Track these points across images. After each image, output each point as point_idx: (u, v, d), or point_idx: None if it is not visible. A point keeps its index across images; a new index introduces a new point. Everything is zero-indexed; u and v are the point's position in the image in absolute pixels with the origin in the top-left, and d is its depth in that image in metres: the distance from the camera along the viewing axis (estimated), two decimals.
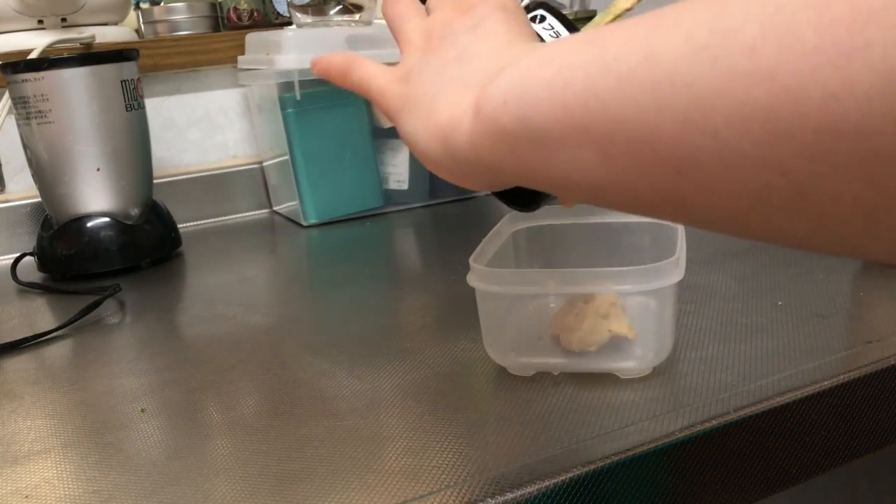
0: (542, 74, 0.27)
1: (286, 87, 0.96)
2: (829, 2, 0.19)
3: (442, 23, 0.37)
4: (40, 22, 1.01)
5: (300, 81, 0.95)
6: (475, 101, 0.31)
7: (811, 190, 0.20)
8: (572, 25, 0.44)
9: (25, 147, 0.86)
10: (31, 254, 0.89)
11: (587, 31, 0.39)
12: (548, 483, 0.38)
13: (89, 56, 0.86)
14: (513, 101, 0.29)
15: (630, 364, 0.48)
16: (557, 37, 0.43)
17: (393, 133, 1.04)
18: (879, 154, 0.19)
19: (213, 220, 1.10)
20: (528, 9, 0.44)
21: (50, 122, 0.83)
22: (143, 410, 0.51)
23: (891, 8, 0.18)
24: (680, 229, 0.53)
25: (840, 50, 0.18)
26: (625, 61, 0.24)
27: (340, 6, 1.00)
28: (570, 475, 0.38)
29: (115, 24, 1.09)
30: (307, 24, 1.00)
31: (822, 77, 0.19)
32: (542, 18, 0.43)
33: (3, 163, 1.02)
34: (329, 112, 0.99)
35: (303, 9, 0.99)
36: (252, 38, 1.05)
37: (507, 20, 0.36)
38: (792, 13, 0.19)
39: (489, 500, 0.37)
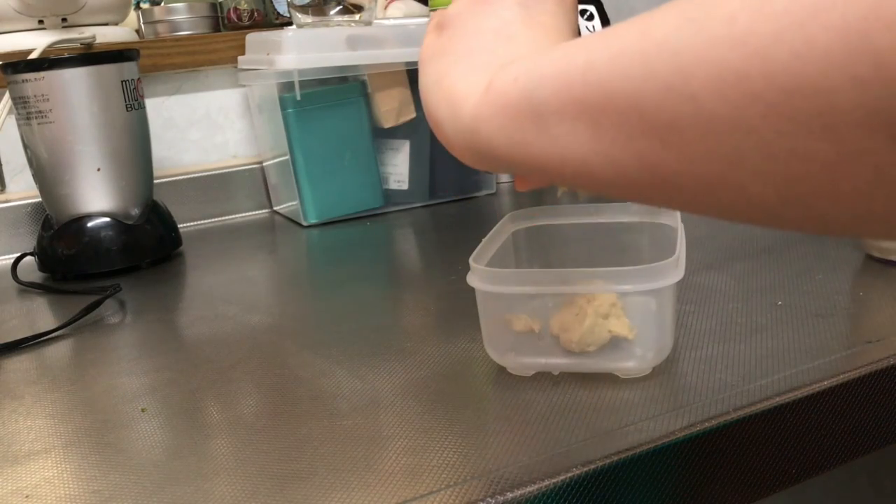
0: (553, 55, 0.29)
1: (286, 87, 0.97)
2: None
3: None
4: (41, 22, 1.01)
5: (300, 81, 0.95)
6: (491, 78, 0.32)
7: (778, 150, 0.21)
8: None
9: (26, 147, 0.86)
10: (31, 254, 0.89)
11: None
12: (548, 483, 0.38)
13: (90, 56, 0.86)
14: (522, 77, 0.30)
15: (630, 364, 0.48)
16: None
17: (393, 133, 1.04)
18: (839, 110, 0.19)
19: (213, 220, 1.10)
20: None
21: (50, 122, 0.83)
22: (143, 410, 0.51)
23: None
24: (680, 229, 0.53)
25: (806, 11, 0.19)
26: (623, 37, 0.25)
27: (340, 6, 1.00)
28: (570, 475, 0.38)
29: (116, 24, 1.09)
30: (307, 24, 1.00)
31: (788, 37, 0.20)
32: (591, 17, 0.44)
33: (3, 163, 1.02)
34: (329, 112, 0.99)
35: (303, 9, 0.99)
36: (252, 38, 1.05)
37: (560, 13, 0.37)
38: None
39: (489, 500, 0.37)
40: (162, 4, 1.18)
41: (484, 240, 0.54)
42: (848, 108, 0.19)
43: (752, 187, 0.23)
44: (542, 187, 0.46)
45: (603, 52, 0.26)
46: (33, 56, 0.94)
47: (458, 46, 0.36)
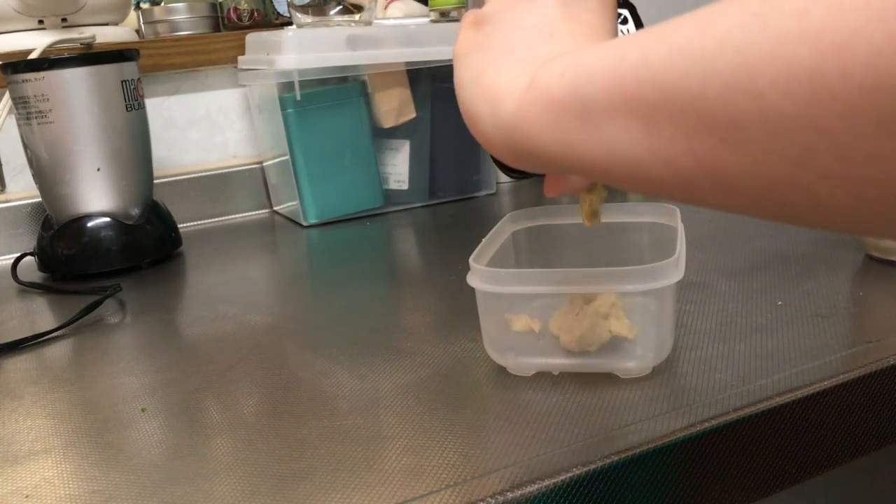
0: (602, 51, 0.28)
1: (286, 87, 0.97)
2: None
3: None
4: (41, 22, 1.01)
5: (300, 81, 0.95)
6: (534, 75, 0.31)
7: (854, 152, 0.20)
8: None
9: (26, 147, 0.86)
10: (31, 254, 0.89)
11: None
12: (548, 483, 0.38)
13: (90, 56, 0.86)
14: (569, 73, 0.29)
15: (630, 364, 0.48)
16: None
17: (393, 133, 1.04)
18: None
19: (213, 220, 1.10)
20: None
21: (50, 122, 0.83)
22: (143, 410, 0.51)
23: None
24: (680, 229, 0.53)
25: (887, 4, 0.18)
26: (680, 33, 0.24)
27: (340, 6, 1.00)
28: (570, 475, 0.38)
29: (116, 24, 1.09)
30: (307, 24, 1.00)
31: (868, 32, 0.19)
32: (625, 20, 0.44)
33: (3, 163, 1.02)
34: (329, 112, 0.99)
35: (303, 9, 0.99)
36: (252, 38, 1.05)
37: (600, 12, 0.36)
38: None
39: (489, 499, 0.37)
40: (162, 4, 1.18)
41: (484, 240, 0.54)
42: None
43: (821, 189, 0.22)
44: (572, 194, 0.46)
45: (658, 48, 0.25)
46: (33, 56, 0.94)
47: (497, 42, 0.36)
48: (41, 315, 0.76)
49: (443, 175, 1.07)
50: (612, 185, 0.30)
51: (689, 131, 0.24)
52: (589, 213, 0.49)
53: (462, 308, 0.62)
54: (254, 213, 1.12)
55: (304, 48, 0.94)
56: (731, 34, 0.22)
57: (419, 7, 1.18)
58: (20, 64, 0.83)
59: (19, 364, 0.62)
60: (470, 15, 0.39)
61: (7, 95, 0.87)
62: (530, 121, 0.31)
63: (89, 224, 0.86)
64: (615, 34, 0.36)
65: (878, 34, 0.19)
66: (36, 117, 0.83)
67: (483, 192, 1.09)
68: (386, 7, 1.16)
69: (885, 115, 0.19)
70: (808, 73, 0.20)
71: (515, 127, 0.32)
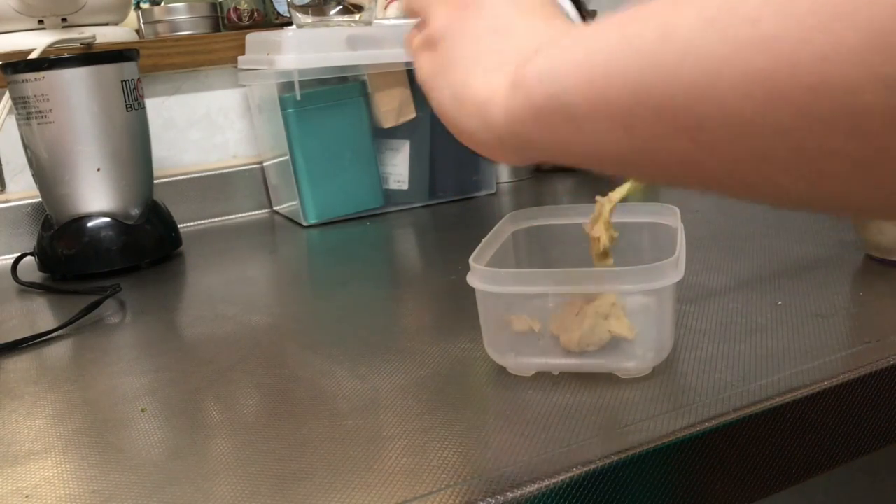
0: (572, 54, 0.29)
1: (286, 87, 0.97)
2: None
3: None
4: (41, 22, 1.01)
5: (300, 81, 0.95)
6: (513, 78, 0.32)
7: (808, 149, 0.22)
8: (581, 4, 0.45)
9: (26, 147, 0.86)
10: (31, 254, 0.89)
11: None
12: (548, 483, 0.38)
13: (90, 56, 0.86)
14: (546, 79, 0.30)
15: (630, 364, 0.48)
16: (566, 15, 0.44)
17: (393, 133, 1.04)
18: (867, 109, 0.20)
19: (213, 220, 1.10)
20: None
21: (50, 122, 0.83)
22: (143, 410, 0.51)
23: None
24: (680, 229, 0.53)
25: (831, 13, 0.20)
26: (644, 38, 0.26)
27: (340, 6, 1.00)
28: (570, 475, 0.38)
29: (116, 24, 1.09)
30: (307, 24, 1.00)
31: (814, 39, 0.20)
32: None
33: (3, 163, 1.02)
34: (329, 112, 0.99)
35: (303, 9, 0.99)
36: (252, 38, 1.05)
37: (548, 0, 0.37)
38: None
39: (489, 499, 0.37)
40: (162, 4, 1.18)
41: (484, 240, 0.54)
42: (877, 108, 0.19)
43: (784, 181, 0.23)
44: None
45: (624, 52, 0.26)
46: (33, 56, 0.94)
47: (461, 55, 0.36)
48: (41, 315, 0.76)
49: (443, 175, 1.07)
50: (606, 172, 0.31)
51: (663, 133, 0.25)
52: (599, 255, 0.49)
53: (462, 308, 0.62)
54: (254, 213, 1.12)
55: (304, 48, 0.94)
56: (692, 41, 0.23)
57: None
58: (20, 64, 0.83)
59: (19, 364, 0.62)
60: (415, 39, 0.39)
61: (7, 95, 0.87)
62: (522, 125, 0.32)
63: (89, 224, 0.86)
64: (561, 14, 0.37)
65: (823, 41, 0.20)
66: (36, 117, 0.83)
67: (483, 192, 1.09)
68: (386, 7, 1.16)
69: (833, 115, 0.20)
70: (764, 77, 0.21)
71: (510, 133, 0.33)
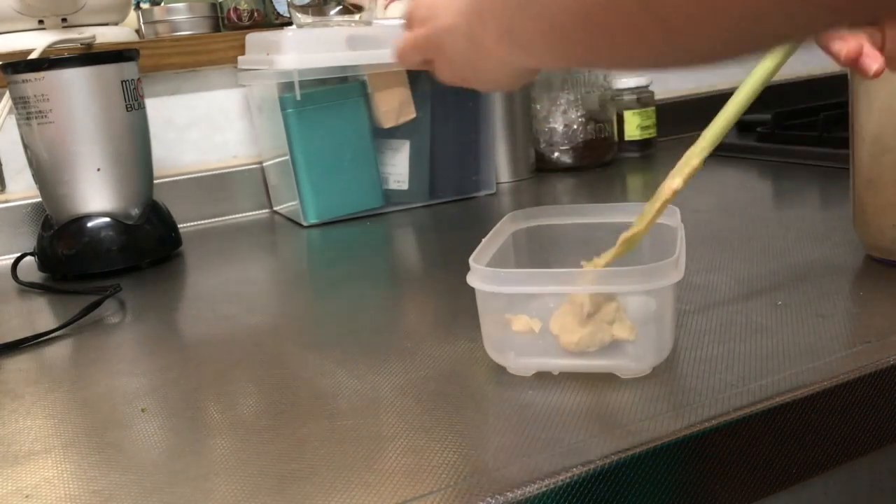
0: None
1: (286, 87, 0.97)
2: None
3: None
4: (41, 22, 1.01)
5: (300, 81, 0.95)
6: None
7: (609, 15, 0.28)
8: None
9: (26, 147, 0.86)
10: (31, 254, 0.89)
11: (639, 220, 0.51)
12: (548, 483, 0.38)
13: (90, 56, 0.86)
14: (494, 24, 0.39)
15: (630, 364, 0.48)
16: None
17: (393, 133, 1.04)
18: None
19: (213, 220, 1.10)
20: None
21: (50, 122, 0.83)
22: (143, 410, 0.51)
23: None
24: (680, 229, 0.54)
25: None
26: None
27: (340, 6, 1.00)
28: (570, 475, 0.38)
29: (116, 24, 1.09)
30: (307, 25, 1.00)
31: None
32: None
33: (3, 163, 1.02)
34: (329, 112, 0.99)
35: (303, 9, 0.99)
36: (252, 38, 1.05)
37: None
38: None
39: (489, 499, 0.37)
40: (162, 4, 1.18)
41: (484, 240, 0.54)
42: None
43: (601, 43, 0.30)
44: None
45: None
46: (33, 56, 0.94)
47: (445, 12, 0.47)
48: (41, 315, 0.76)
49: (443, 175, 1.07)
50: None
51: (563, 37, 0.32)
52: (583, 320, 0.49)
53: (462, 308, 0.62)
54: (254, 213, 1.12)
55: (304, 48, 0.94)
56: None
57: None
58: (20, 64, 0.83)
59: (19, 364, 0.62)
60: (406, 25, 0.52)
61: (7, 95, 0.87)
62: (515, 57, 0.41)
63: (89, 224, 0.86)
64: None
65: None
66: (36, 117, 0.83)
67: (483, 192, 1.09)
68: (386, 7, 1.16)
69: None
70: None
71: (516, 64, 0.45)
